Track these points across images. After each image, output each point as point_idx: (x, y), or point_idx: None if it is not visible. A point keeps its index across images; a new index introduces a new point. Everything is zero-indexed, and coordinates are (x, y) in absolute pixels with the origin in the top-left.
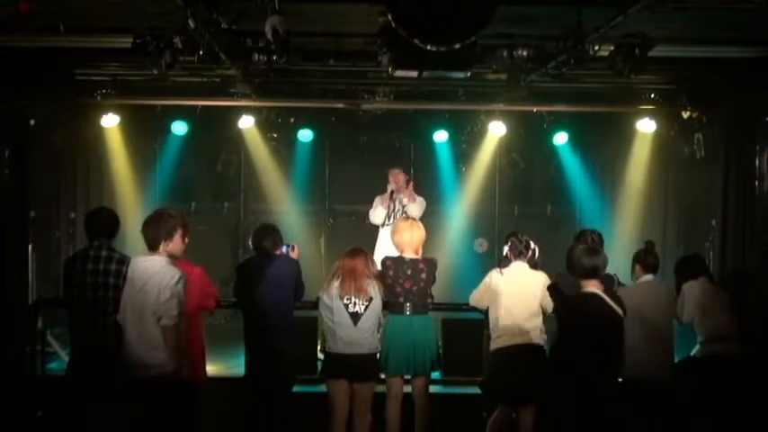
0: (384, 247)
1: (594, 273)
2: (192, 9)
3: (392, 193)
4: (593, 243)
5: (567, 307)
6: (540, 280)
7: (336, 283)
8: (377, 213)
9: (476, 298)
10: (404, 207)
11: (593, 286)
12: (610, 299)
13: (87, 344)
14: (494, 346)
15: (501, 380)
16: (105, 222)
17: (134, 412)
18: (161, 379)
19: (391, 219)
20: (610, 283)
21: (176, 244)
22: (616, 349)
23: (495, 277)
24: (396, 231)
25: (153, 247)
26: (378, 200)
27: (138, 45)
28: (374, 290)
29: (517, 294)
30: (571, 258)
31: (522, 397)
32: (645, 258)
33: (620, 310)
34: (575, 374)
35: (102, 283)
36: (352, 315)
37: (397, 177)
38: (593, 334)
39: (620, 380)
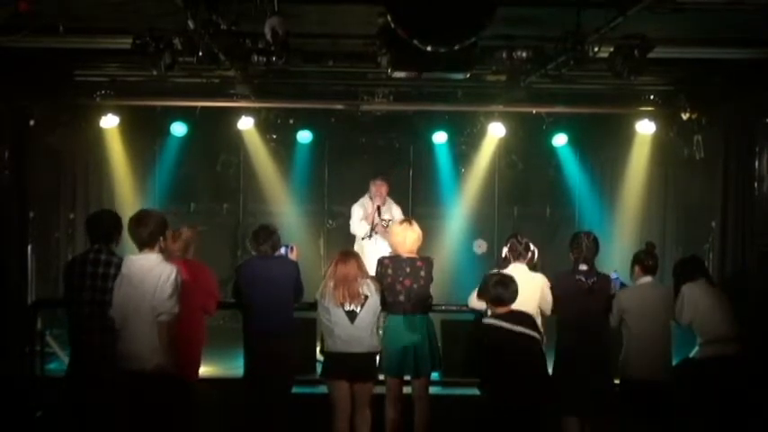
0: (370, 258)
1: (500, 301)
2: (191, 10)
3: (378, 208)
4: (504, 276)
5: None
6: (539, 282)
7: (331, 285)
8: (361, 227)
9: (475, 299)
10: (389, 220)
11: (501, 310)
12: (521, 325)
13: (86, 347)
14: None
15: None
16: (106, 226)
17: (132, 412)
18: (151, 374)
19: (372, 233)
20: (608, 284)
21: (165, 242)
22: (531, 372)
23: None
24: (392, 233)
25: (148, 244)
26: (357, 210)
27: (137, 46)
28: (369, 288)
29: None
30: (484, 283)
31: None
32: (644, 260)
33: (533, 333)
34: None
35: (101, 287)
36: (348, 313)
37: (380, 189)
38: (501, 361)
39: (618, 382)
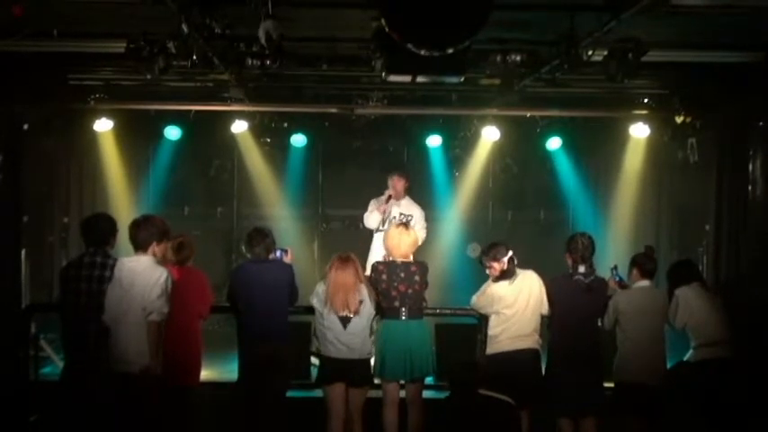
0: (378, 252)
1: None
2: (185, 14)
3: (389, 197)
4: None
5: None
6: (536, 283)
7: (329, 291)
8: (372, 218)
9: (479, 302)
10: (400, 215)
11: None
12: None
13: (80, 350)
14: (492, 350)
15: (500, 384)
16: (102, 229)
17: (122, 414)
18: (139, 376)
19: (386, 224)
20: (605, 285)
21: (163, 247)
22: None
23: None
24: (386, 236)
25: (142, 247)
26: (373, 203)
27: (131, 50)
28: (363, 294)
29: (515, 299)
30: None
31: (520, 400)
32: (644, 263)
33: (505, 398)
34: None
35: (96, 290)
36: (342, 318)
37: (396, 184)
38: None
39: (612, 385)
